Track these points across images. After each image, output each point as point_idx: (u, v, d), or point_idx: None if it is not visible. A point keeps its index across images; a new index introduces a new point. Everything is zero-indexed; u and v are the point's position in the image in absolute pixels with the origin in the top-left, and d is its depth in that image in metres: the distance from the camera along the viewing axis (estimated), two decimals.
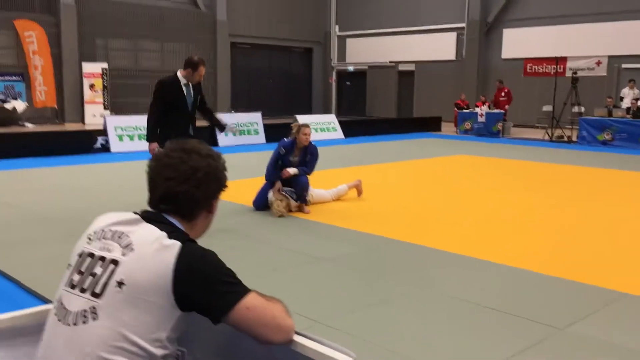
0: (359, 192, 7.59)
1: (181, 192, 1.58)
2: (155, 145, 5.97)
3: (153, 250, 1.48)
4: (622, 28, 18.62)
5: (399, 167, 10.51)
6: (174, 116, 5.95)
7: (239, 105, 22.62)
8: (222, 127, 6.82)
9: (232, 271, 1.54)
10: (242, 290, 1.51)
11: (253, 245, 5.37)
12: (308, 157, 6.96)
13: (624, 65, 18.78)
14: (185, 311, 1.50)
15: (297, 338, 1.52)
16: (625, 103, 16.46)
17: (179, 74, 6.11)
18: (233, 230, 5.85)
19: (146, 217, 1.59)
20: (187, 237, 1.56)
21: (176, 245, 1.49)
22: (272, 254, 5.13)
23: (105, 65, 19.33)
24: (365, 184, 7.87)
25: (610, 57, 17.58)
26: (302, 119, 15.96)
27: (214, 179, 1.64)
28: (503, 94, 18.35)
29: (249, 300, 1.50)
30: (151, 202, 1.63)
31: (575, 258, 5.07)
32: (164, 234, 1.51)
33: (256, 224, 6.24)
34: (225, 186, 1.70)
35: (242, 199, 7.42)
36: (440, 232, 5.95)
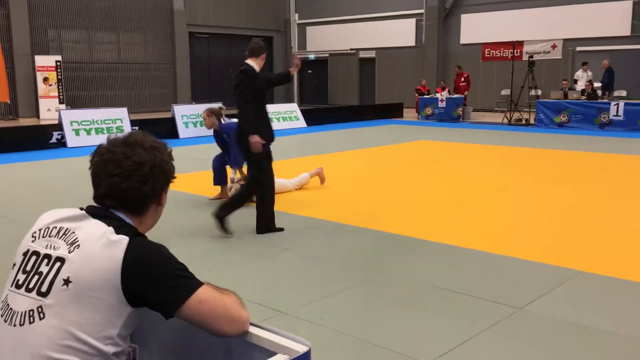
0: (322, 180, 7.60)
1: (126, 188, 1.54)
2: (259, 137, 5.26)
3: (100, 246, 1.44)
4: (576, 12, 19.03)
5: (362, 154, 10.55)
6: (263, 106, 5.56)
7: (199, 95, 22.36)
8: (288, 74, 6.24)
9: (183, 264, 1.50)
10: (193, 284, 1.49)
11: (216, 238, 5.32)
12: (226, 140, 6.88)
13: (578, 49, 19.22)
14: (136, 307, 1.47)
15: (252, 329, 1.50)
16: (580, 85, 16.86)
17: (251, 62, 5.64)
18: (194, 224, 5.79)
19: (92, 212, 1.54)
20: (136, 232, 1.52)
21: (124, 240, 1.45)
22: (234, 245, 5.09)
23: (59, 57, 18.81)
24: (328, 172, 7.88)
25: (564, 40, 17.95)
26: None
27: (161, 172, 1.59)
28: (462, 79, 18.58)
29: (201, 293, 1.48)
30: (96, 198, 1.58)
31: (532, 238, 5.19)
32: (110, 229, 1.47)
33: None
34: (174, 177, 1.66)
35: (203, 190, 7.34)
36: (403, 217, 6.00)
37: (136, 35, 21.66)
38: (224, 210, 5.29)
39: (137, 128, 12.65)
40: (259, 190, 5.42)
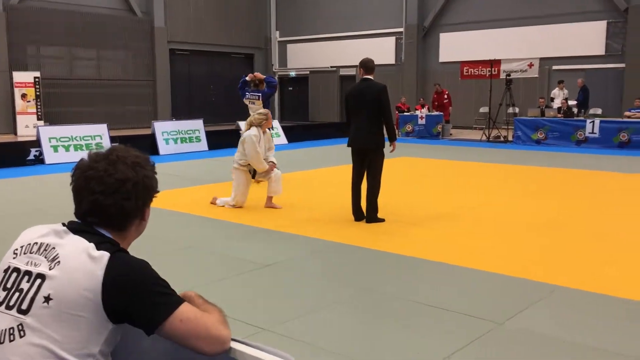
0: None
1: (109, 205, 1.52)
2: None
3: (81, 263, 1.43)
4: (552, 31, 19.43)
5: (343, 171, 10.58)
6: None
7: (180, 112, 22.28)
8: None
9: (165, 281, 1.50)
10: (175, 302, 1.48)
11: (197, 255, 5.29)
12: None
13: (554, 67, 19.59)
14: (118, 323, 1.45)
15: (236, 345, 1.50)
16: (556, 103, 17.16)
17: (372, 77, 6.45)
18: (176, 240, 5.74)
19: (73, 228, 1.53)
20: (118, 247, 1.51)
21: (105, 256, 1.44)
22: (216, 262, 5.06)
23: (37, 74, 18.63)
24: (310, 188, 7.89)
25: (541, 59, 18.30)
26: (245, 124, 15.85)
27: (144, 188, 1.58)
28: (445, 96, 18.85)
29: (182, 312, 1.47)
30: (78, 215, 1.57)
31: (512, 253, 5.24)
32: (92, 245, 1.46)
33: (199, 233, 6.15)
34: (157, 192, 1.65)
35: (184, 207, 7.30)
36: (384, 234, 6.02)
37: (116, 51, 21.59)
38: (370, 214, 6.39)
39: (116, 144, 12.54)
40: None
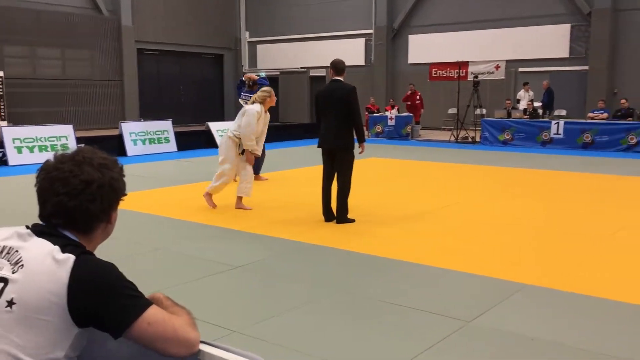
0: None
1: (74, 207, 1.49)
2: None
3: (45, 266, 1.40)
4: (518, 34, 19.79)
5: (313, 172, 10.60)
6: None
7: (148, 113, 21.99)
8: None
9: (132, 283, 1.48)
10: (142, 304, 1.46)
11: (166, 257, 5.23)
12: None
13: (520, 69, 19.96)
14: (83, 327, 1.43)
15: (205, 348, 1.48)
16: (522, 105, 17.49)
17: (342, 78, 6.49)
18: (144, 242, 5.67)
19: (38, 231, 1.49)
20: (83, 250, 1.48)
21: (70, 259, 1.41)
22: (185, 264, 5.01)
23: (0, 73, 18.19)
24: (280, 189, 7.88)
25: (507, 61, 18.61)
26: (214, 125, 15.76)
27: (110, 190, 1.55)
28: (418, 97, 19.04)
29: (150, 314, 1.45)
30: (42, 217, 1.54)
31: (479, 252, 5.32)
32: (57, 247, 1.43)
33: (168, 235, 6.09)
34: (124, 194, 1.62)
35: (153, 209, 7.21)
36: (355, 234, 6.05)
37: (82, 51, 21.20)
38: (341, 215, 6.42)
39: (83, 145, 12.33)
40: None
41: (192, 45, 24.86)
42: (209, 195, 7.27)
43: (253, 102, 7.20)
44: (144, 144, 13.93)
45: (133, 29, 22.35)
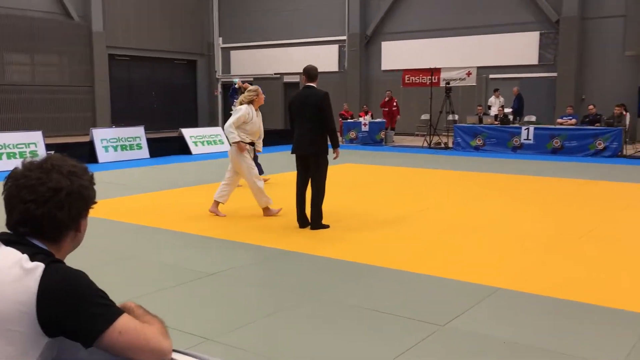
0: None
1: (41, 215, 1.47)
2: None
3: (13, 275, 1.37)
4: (488, 41, 20.12)
5: (287, 178, 10.59)
6: None
7: (120, 119, 21.75)
8: None
9: (103, 292, 1.46)
10: (113, 313, 1.44)
11: (138, 265, 5.17)
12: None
13: (491, 76, 20.29)
14: (53, 337, 1.40)
15: (177, 357, 1.47)
16: (493, 111, 17.77)
17: (315, 85, 6.52)
18: (116, 250, 5.60)
19: (5, 239, 1.46)
20: (53, 258, 1.46)
21: (39, 267, 1.39)
22: (158, 271, 4.96)
23: None
24: (250, 196, 7.84)
25: (478, 68, 18.89)
26: (188, 132, 15.65)
27: (79, 198, 1.53)
28: (395, 104, 19.20)
29: (121, 323, 1.43)
30: (9, 225, 1.51)
31: (453, 256, 5.37)
32: (25, 256, 1.40)
33: (140, 242, 6.02)
34: (94, 203, 1.60)
35: (125, 216, 7.12)
36: (329, 240, 6.05)
37: (52, 56, 20.88)
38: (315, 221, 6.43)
39: (52, 152, 12.13)
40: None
41: (165, 50, 24.69)
42: (267, 210, 7.21)
43: (241, 104, 7.24)
44: (115, 150, 13.76)
45: (104, 34, 22.10)
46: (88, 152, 13.25)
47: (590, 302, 4.15)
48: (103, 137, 13.75)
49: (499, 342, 3.50)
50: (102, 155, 13.44)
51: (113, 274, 4.87)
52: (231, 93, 10.21)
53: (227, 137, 7.18)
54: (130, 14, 23.28)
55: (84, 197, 1.54)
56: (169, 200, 8.31)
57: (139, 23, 23.55)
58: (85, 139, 14.27)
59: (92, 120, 21.68)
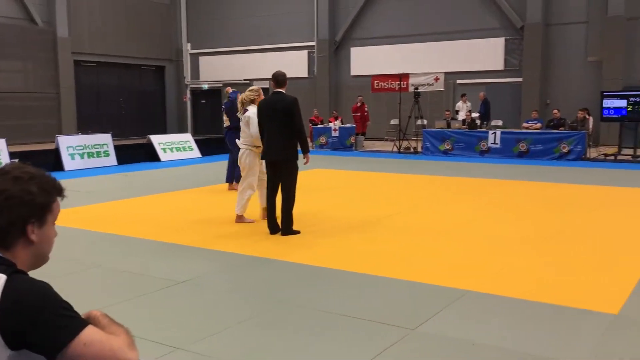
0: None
1: None
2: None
3: None
4: (456, 47, 20.41)
5: None
6: None
7: (87, 126, 21.38)
8: None
9: (67, 303, 1.43)
10: (78, 324, 1.41)
11: (106, 274, 5.08)
12: None
13: (458, 81, 20.57)
14: (16, 350, 1.37)
15: None
16: (461, 115, 18.02)
17: (284, 90, 6.52)
18: (83, 259, 5.49)
19: None
20: (15, 269, 1.42)
21: (1, 279, 1.36)
22: (126, 280, 4.89)
23: None
24: (224, 202, 7.81)
25: (446, 73, 19.14)
26: (156, 138, 15.48)
27: (20, 204, 1.47)
28: (366, 109, 19.34)
29: (86, 335, 1.40)
30: None
31: (421, 260, 5.42)
32: None
33: (108, 251, 5.92)
34: (43, 210, 1.53)
35: (92, 225, 7.00)
36: (300, 246, 6.05)
37: (15, 62, 20.43)
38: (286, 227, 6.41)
39: (16, 160, 11.85)
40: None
41: (132, 56, 24.38)
42: (240, 217, 7.16)
43: (242, 103, 7.25)
44: (82, 158, 13.52)
45: (69, 40, 21.73)
46: (53, 160, 12.99)
47: (557, 303, 4.24)
48: (69, 144, 13.50)
49: (469, 345, 3.54)
50: (68, 163, 13.19)
51: (79, 284, 4.79)
52: (226, 102, 10.28)
53: (256, 145, 6.95)
54: (96, 20, 22.94)
55: (26, 203, 1.48)
56: (137, 208, 8.20)
57: (105, 29, 23.22)
58: (51, 146, 13.98)
59: (58, 127, 21.26)
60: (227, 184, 10.01)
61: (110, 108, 23.86)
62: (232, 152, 9.37)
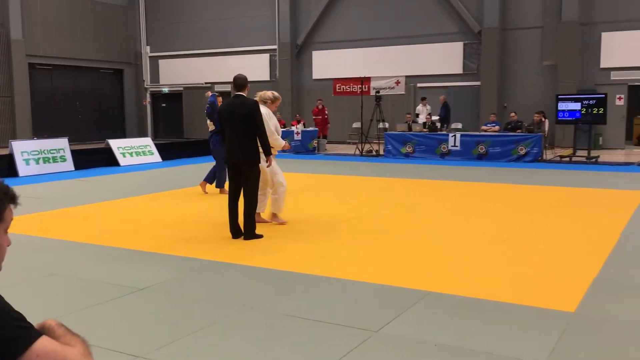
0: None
1: None
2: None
3: None
4: (416, 51, 20.68)
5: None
6: None
7: (42, 131, 20.84)
8: None
9: (19, 314, 1.38)
10: (30, 335, 1.36)
11: (63, 282, 4.94)
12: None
13: (419, 85, 20.84)
14: None
15: None
16: (421, 119, 18.26)
17: (245, 94, 6.48)
18: (37, 268, 5.33)
19: None
20: None
21: None
22: (83, 288, 4.76)
23: None
24: (185, 206, 7.70)
25: (407, 77, 19.40)
26: (115, 143, 15.18)
27: None
28: (326, 112, 19.39)
29: (39, 346, 1.36)
30: None
31: (382, 262, 5.45)
32: None
33: (64, 259, 5.76)
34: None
35: (47, 232, 6.81)
36: (262, 250, 6.01)
37: None
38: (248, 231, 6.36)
39: None
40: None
41: (89, 59, 23.90)
42: (274, 216, 7.25)
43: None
44: (37, 163, 13.16)
45: (23, 42, 21.17)
46: (7, 166, 12.61)
47: (518, 302, 4.32)
48: (24, 149, 13.12)
49: (431, 345, 3.57)
50: (22, 169, 12.81)
51: (34, 293, 4.65)
52: (208, 108, 10.05)
53: (272, 146, 6.83)
54: (51, 22, 22.39)
55: None
56: (95, 214, 8.02)
57: (61, 31, 22.69)
58: (5, 151, 13.57)
59: (12, 132, 20.68)
60: (196, 187, 10.06)
61: (66, 112, 23.33)
62: (218, 156, 9.22)
